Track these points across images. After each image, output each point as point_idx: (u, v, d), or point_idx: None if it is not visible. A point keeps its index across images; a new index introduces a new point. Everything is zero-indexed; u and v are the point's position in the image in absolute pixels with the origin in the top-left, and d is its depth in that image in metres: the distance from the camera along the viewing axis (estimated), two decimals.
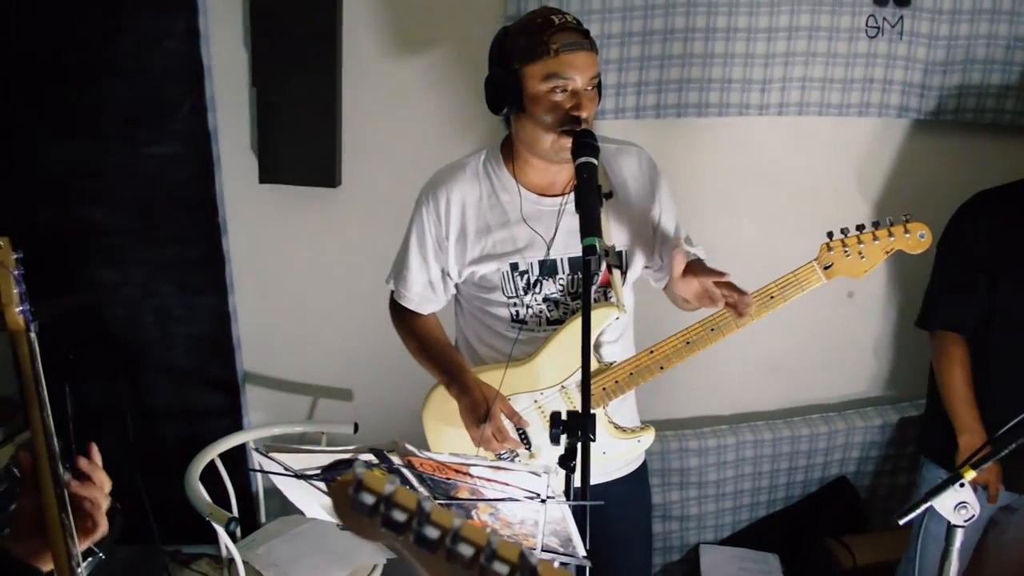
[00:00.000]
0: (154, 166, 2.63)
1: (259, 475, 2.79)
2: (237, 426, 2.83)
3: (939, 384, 2.27)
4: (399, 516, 0.71)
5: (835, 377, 2.89)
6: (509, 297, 1.89)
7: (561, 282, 1.88)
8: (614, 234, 1.89)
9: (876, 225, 1.79)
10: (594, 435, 1.54)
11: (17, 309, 1.37)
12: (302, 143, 2.59)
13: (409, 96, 2.61)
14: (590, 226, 1.60)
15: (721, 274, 1.75)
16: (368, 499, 0.71)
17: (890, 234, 1.78)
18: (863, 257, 1.79)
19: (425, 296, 1.98)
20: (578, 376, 1.83)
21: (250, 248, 2.76)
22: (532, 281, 1.87)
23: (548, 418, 1.84)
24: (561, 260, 1.86)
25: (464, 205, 1.88)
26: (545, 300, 1.89)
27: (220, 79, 2.61)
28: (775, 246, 2.60)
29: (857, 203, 2.70)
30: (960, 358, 2.23)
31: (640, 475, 2.11)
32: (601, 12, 2.40)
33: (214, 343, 2.80)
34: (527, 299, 1.88)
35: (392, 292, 2.05)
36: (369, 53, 2.57)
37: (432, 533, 0.70)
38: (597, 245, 1.57)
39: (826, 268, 1.79)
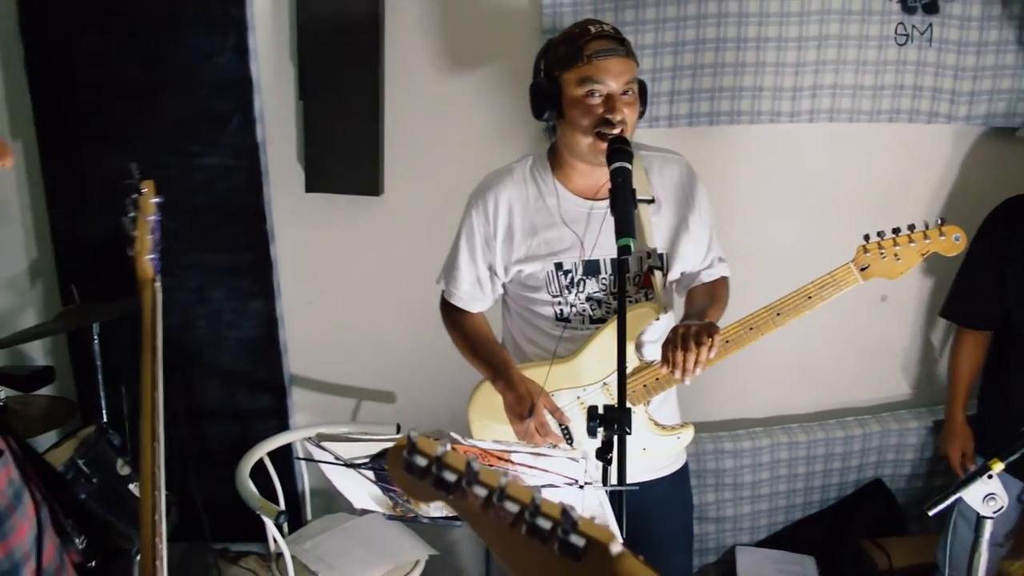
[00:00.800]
0: (206, 177, 2.74)
1: (305, 475, 2.89)
2: (284, 427, 2.93)
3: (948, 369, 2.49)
4: (450, 476, 0.75)
5: (869, 380, 2.92)
6: (553, 296, 1.96)
7: (604, 282, 1.94)
8: (656, 237, 1.95)
9: (912, 228, 1.83)
10: (630, 428, 1.61)
11: (147, 257, 1.42)
12: (346, 154, 2.69)
13: (449, 108, 2.70)
14: (625, 227, 1.67)
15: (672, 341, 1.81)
16: (421, 461, 0.76)
17: (925, 236, 1.82)
18: (899, 259, 1.83)
19: (473, 294, 2.06)
20: None
21: (297, 255, 2.87)
22: (575, 280, 1.94)
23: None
24: (604, 260, 1.93)
25: (511, 206, 1.96)
26: (588, 299, 1.95)
27: (268, 93, 2.73)
28: (807, 251, 2.65)
29: (888, 208, 2.73)
30: (968, 352, 2.45)
31: (681, 476, 2.15)
32: (635, 24, 2.48)
33: (262, 347, 2.90)
34: (571, 298, 1.95)
35: (443, 292, 2.13)
36: (410, 67, 2.67)
37: (480, 491, 0.74)
38: (631, 245, 1.65)
39: (863, 269, 1.84)
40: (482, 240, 2.00)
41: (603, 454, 1.62)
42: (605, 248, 1.91)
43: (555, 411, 1.92)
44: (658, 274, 1.94)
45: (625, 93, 1.82)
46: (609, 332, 1.92)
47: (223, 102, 2.70)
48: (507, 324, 2.14)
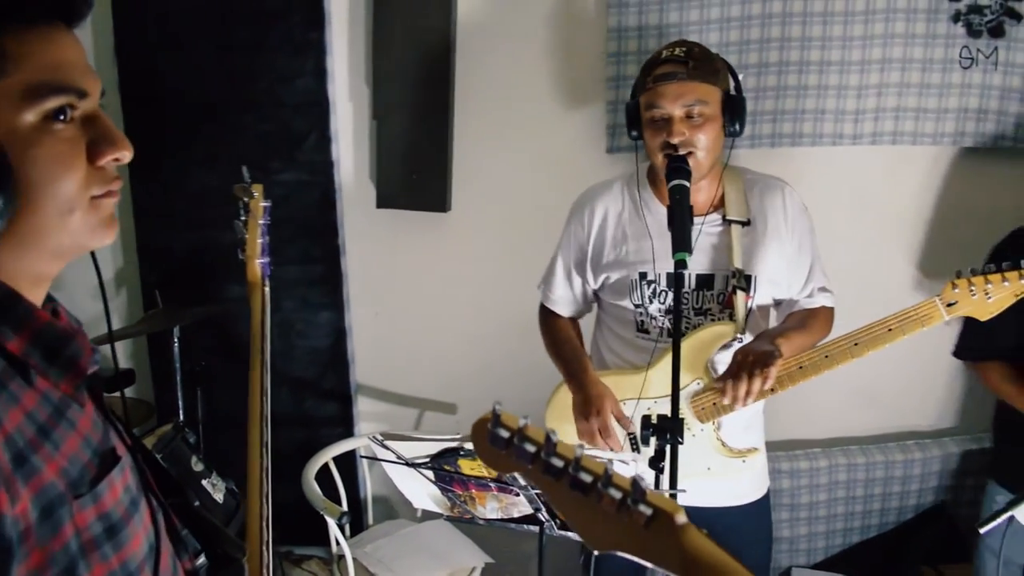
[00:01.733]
0: (282, 192, 2.88)
1: (368, 481, 2.98)
2: (349, 435, 3.02)
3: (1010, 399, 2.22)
4: (529, 447, 0.81)
5: (930, 405, 2.89)
6: (636, 306, 2.02)
7: (685, 295, 1.97)
8: (744, 259, 1.97)
9: (1011, 267, 1.75)
10: (682, 438, 1.65)
11: (258, 261, 1.49)
12: (416, 172, 2.79)
13: (515, 129, 2.79)
14: (681, 242, 1.72)
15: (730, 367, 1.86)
16: (504, 432, 0.82)
17: (1021, 276, 1.74)
18: (989, 297, 1.76)
19: (565, 298, 2.18)
20: (692, 387, 1.95)
21: (366, 268, 2.98)
22: (657, 291, 2.00)
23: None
24: (689, 275, 1.98)
25: (606, 215, 2.06)
26: (669, 312, 2.00)
27: (343, 113, 2.86)
28: (869, 274, 2.67)
29: (952, 232, 2.72)
30: (1005, 374, 2.22)
31: (761, 506, 2.15)
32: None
33: (331, 356, 3.02)
34: (651, 309, 2.01)
35: (541, 296, 2.24)
36: (480, 90, 2.77)
37: (557, 462, 0.81)
38: (687, 260, 1.70)
39: (949, 305, 1.78)
40: (576, 246, 2.10)
41: (655, 462, 1.67)
42: (693, 263, 1.95)
43: (621, 417, 1.96)
44: (741, 295, 1.95)
45: (690, 117, 1.86)
46: (688, 345, 1.94)
47: (301, 121, 2.84)
48: (595, 335, 2.22)
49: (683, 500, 1.79)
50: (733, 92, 1.96)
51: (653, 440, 1.65)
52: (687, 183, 1.80)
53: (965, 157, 2.65)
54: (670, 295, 1.99)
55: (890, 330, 1.81)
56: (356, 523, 2.93)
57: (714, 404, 1.93)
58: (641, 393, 1.99)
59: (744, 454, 1.99)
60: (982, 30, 2.49)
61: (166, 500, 1.06)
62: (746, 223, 1.98)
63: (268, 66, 2.79)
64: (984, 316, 1.78)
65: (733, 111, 1.91)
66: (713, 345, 1.94)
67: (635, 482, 0.78)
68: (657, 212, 2.01)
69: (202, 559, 1.12)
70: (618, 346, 2.10)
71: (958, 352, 2.37)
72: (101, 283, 1.06)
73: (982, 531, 1.66)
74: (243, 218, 1.59)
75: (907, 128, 2.58)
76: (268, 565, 1.30)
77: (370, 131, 2.85)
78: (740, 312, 1.95)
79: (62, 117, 0.86)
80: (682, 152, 1.86)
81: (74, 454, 0.86)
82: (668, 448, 1.63)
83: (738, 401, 1.82)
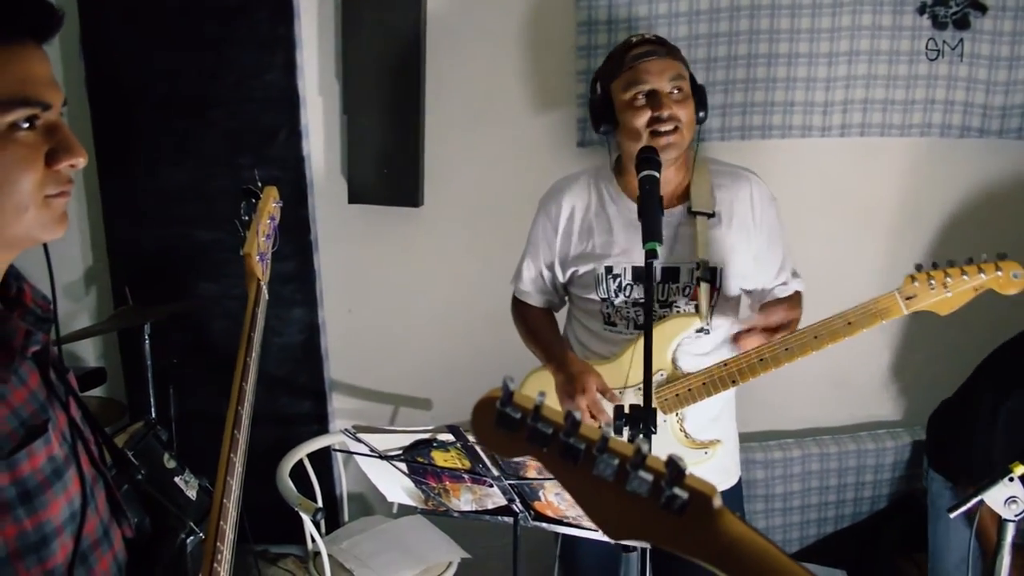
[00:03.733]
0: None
1: (343, 478, 2.97)
2: (324, 431, 3.00)
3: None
4: (546, 429, 0.73)
5: (901, 394, 2.92)
6: (603, 299, 2.03)
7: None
8: (712, 251, 1.98)
9: (969, 261, 1.75)
10: (655, 428, 1.66)
11: (256, 257, 1.50)
12: (388, 166, 2.78)
13: (487, 124, 2.79)
14: (652, 232, 1.73)
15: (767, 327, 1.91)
16: (515, 413, 0.73)
17: (980, 271, 1.72)
18: (949, 292, 1.74)
19: (536, 291, 2.19)
20: (656, 379, 1.96)
21: (338, 264, 2.96)
22: (623, 284, 2.01)
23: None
24: (654, 267, 1.92)
25: (573, 209, 2.06)
26: (635, 304, 2.01)
27: (313, 108, 2.84)
28: (838, 266, 2.68)
29: (920, 223, 2.75)
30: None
31: (733, 495, 2.16)
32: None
33: (304, 353, 2.99)
34: (617, 301, 2.02)
35: (513, 289, 2.26)
36: (450, 84, 2.76)
37: (578, 444, 0.72)
38: (658, 250, 1.70)
39: (908, 299, 1.77)
40: (545, 241, 2.11)
41: None
42: (659, 256, 1.95)
43: (605, 391, 1.97)
44: (705, 287, 1.96)
45: (673, 92, 1.90)
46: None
47: (271, 117, 2.81)
48: (566, 330, 2.24)
49: None
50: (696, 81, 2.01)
51: (626, 431, 1.66)
52: (657, 173, 1.81)
53: (933, 148, 2.68)
54: (635, 289, 2.00)
55: (849, 323, 1.80)
56: (332, 520, 2.91)
57: (677, 395, 1.95)
58: (609, 384, 2.00)
59: (706, 446, 1.99)
60: (947, 22, 2.52)
61: (116, 474, 1.18)
62: (711, 215, 1.98)
63: (236, 61, 2.76)
64: (944, 311, 1.77)
65: (700, 96, 1.97)
66: (676, 337, 1.96)
67: (672, 462, 0.70)
68: (623, 206, 2.02)
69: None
70: (587, 338, 2.12)
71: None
72: (52, 278, 1.12)
73: (952, 515, 1.68)
74: (246, 217, 1.59)
75: (875, 120, 2.60)
76: (227, 540, 1.31)
77: (341, 126, 2.83)
78: (703, 304, 1.96)
79: (26, 125, 0.97)
80: (670, 127, 1.88)
81: None
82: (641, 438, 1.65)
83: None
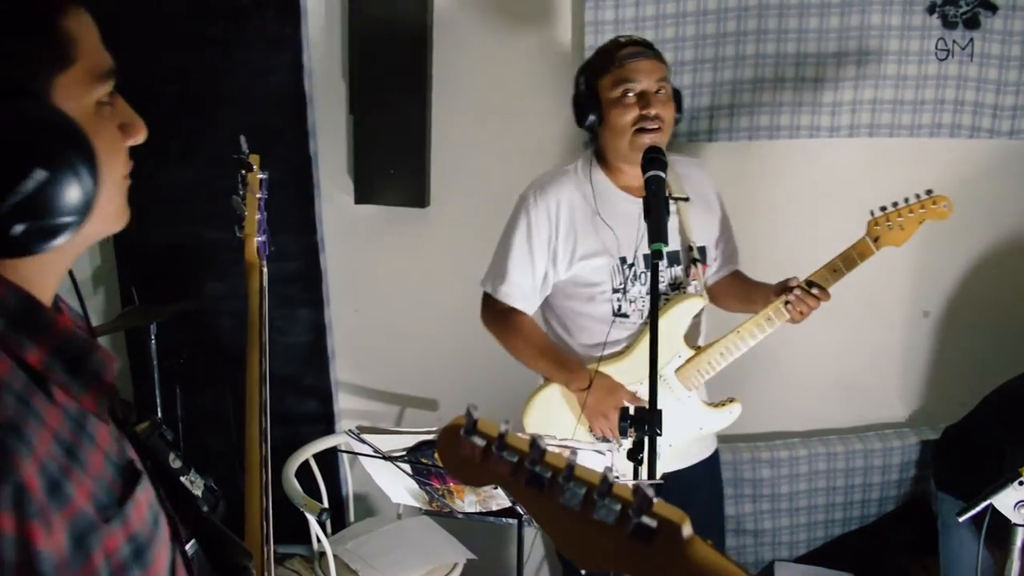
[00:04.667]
0: None
1: (348, 478, 2.96)
2: (330, 431, 3.00)
3: None
4: (511, 457, 0.72)
5: (909, 396, 2.90)
6: (615, 291, 2.05)
7: (663, 275, 2.06)
8: (696, 232, 2.10)
9: (907, 200, 2.03)
10: (661, 429, 1.65)
11: (256, 239, 1.43)
12: (394, 167, 2.78)
13: (493, 124, 2.78)
14: (658, 233, 1.73)
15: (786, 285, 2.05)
16: (479, 441, 0.73)
17: (921, 206, 2.02)
18: (903, 229, 2.03)
19: (524, 288, 2.12)
20: (675, 363, 2.06)
21: (345, 264, 2.96)
22: (638, 273, 2.05)
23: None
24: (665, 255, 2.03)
25: (572, 206, 2.07)
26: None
27: (320, 108, 2.83)
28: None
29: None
30: None
31: (712, 462, 2.27)
32: (675, 40, 2.54)
33: (311, 353, 2.99)
34: (632, 291, 2.04)
35: (488, 294, 2.19)
36: (457, 84, 2.76)
37: (544, 473, 0.71)
38: (663, 250, 1.71)
39: (875, 240, 2.04)
40: (542, 239, 2.07)
41: (634, 455, 1.67)
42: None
43: (637, 402, 1.99)
44: (700, 267, 2.08)
45: (658, 92, 1.97)
46: (662, 324, 1.95)
47: (278, 117, 2.81)
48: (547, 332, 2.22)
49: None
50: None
51: (631, 432, 1.65)
52: (663, 174, 1.81)
53: (942, 149, 2.66)
54: (648, 276, 2.05)
55: (835, 270, 2.04)
56: (338, 520, 2.91)
57: (698, 371, 2.06)
58: (627, 378, 2.05)
59: (727, 405, 2.11)
60: (957, 22, 2.50)
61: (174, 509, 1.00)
62: (686, 199, 2.07)
63: (243, 61, 2.77)
64: (899, 243, 2.04)
65: (679, 100, 2.05)
66: (684, 320, 2.05)
67: (638, 491, 0.69)
68: (620, 197, 2.06)
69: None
70: (586, 338, 2.11)
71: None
72: (81, 298, 0.99)
73: (961, 519, 1.67)
74: (241, 192, 1.52)
75: (884, 120, 2.59)
76: (270, 559, 1.19)
77: (348, 126, 2.83)
78: (702, 282, 2.09)
79: (107, 100, 0.85)
80: (655, 125, 1.95)
81: (99, 474, 0.80)
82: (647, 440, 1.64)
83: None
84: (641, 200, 1.96)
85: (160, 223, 2.93)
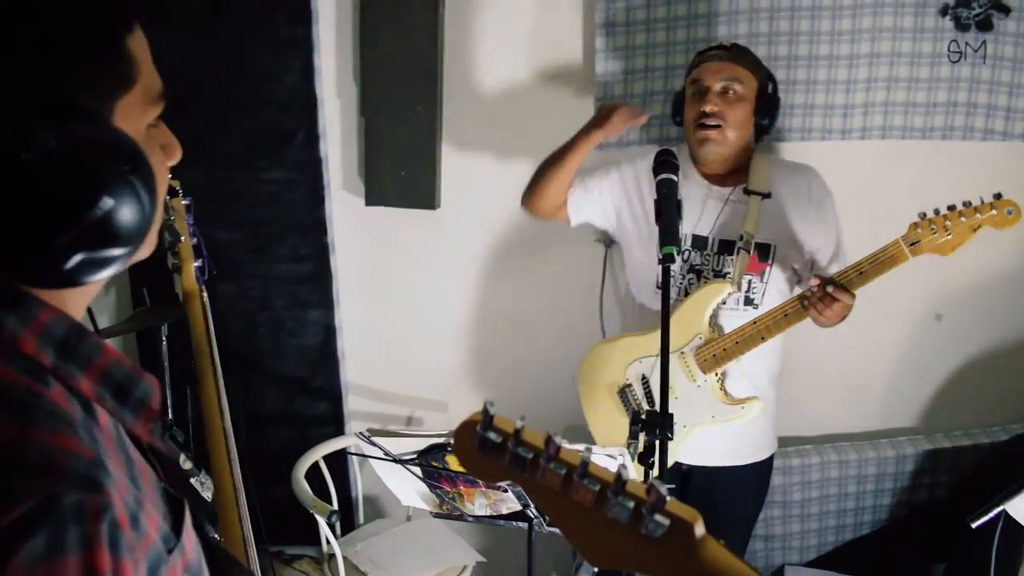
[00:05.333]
0: (271, 190, 2.86)
1: (358, 480, 2.96)
2: (339, 433, 2.99)
3: None
4: (526, 453, 0.73)
5: (921, 402, 2.88)
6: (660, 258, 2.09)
7: (708, 257, 2.14)
8: (762, 228, 2.13)
9: (966, 204, 1.85)
10: (672, 434, 1.65)
11: (193, 265, 1.37)
12: (405, 169, 2.78)
13: (504, 126, 2.78)
14: (669, 237, 1.73)
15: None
16: (495, 437, 0.74)
17: (977, 211, 1.83)
18: (949, 234, 1.85)
19: (579, 198, 2.30)
20: (695, 343, 2.12)
21: (355, 266, 2.96)
22: (682, 249, 2.12)
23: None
24: (712, 239, 2.15)
25: (651, 173, 2.10)
26: (691, 270, 2.15)
27: (331, 110, 2.84)
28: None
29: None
30: None
31: (762, 469, 2.32)
32: (685, 43, 2.53)
33: (320, 355, 2.99)
34: (674, 266, 2.06)
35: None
36: (467, 85, 2.76)
37: (559, 470, 0.71)
38: (675, 253, 1.71)
39: (912, 244, 1.89)
40: (621, 182, 2.26)
41: (644, 459, 1.66)
42: (716, 229, 2.15)
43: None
44: (743, 255, 2.11)
45: (726, 92, 2.07)
46: (687, 304, 2.12)
47: (289, 119, 2.81)
48: (624, 300, 2.42)
49: (684, 458, 1.94)
50: (770, 91, 2.16)
51: (642, 436, 1.65)
52: (675, 177, 1.81)
53: (954, 151, 2.64)
54: (693, 255, 2.16)
55: (861, 273, 1.92)
56: (347, 522, 2.91)
57: (714, 355, 2.09)
58: (654, 350, 2.05)
59: (742, 402, 2.12)
60: (970, 24, 2.48)
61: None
62: (766, 195, 2.12)
63: (254, 63, 2.77)
64: (946, 252, 1.88)
65: (766, 103, 2.13)
66: (710, 303, 2.10)
67: (652, 489, 0.69)
68: (693, 178, 2.19)
69: None
70: (633, 309, 2.28)
71: None
72: (91, 312, 0.97)
73: (974, 526, 1.66)
74: (170, 219, 1.44)
75: (896, 122, 2.57)
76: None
77: (358, 128, 2.83)
78: (737, 271, 2.11)
79: (154, 122, 0.83)
80: (713, 122, 2.06)
81: (154, 503, 0.77)
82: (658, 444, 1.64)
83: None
84: (713, 187, 2.17)
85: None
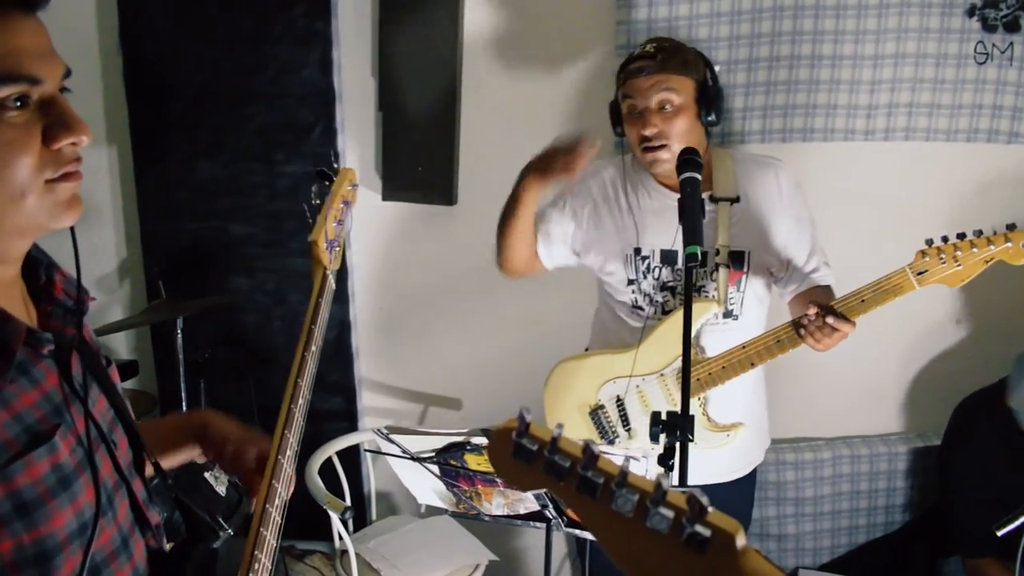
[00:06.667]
0: (288, 184, 2.85)
1: (371, 476, 2.96)
2: (353, 429, 2.99)
3: None
4: (563, 462, 0.71)
5: (939, 406, 2.85)
6: (630, 281, 2.05)
7: (679, 272, 2.03)
8: (738, 235, 2.03)
9: (977, 234, 1.74)
10: (693, 435, 1.63)
11: (323, 246, 1.44)
12: (422, 164, 2.77)
13: (522, 122, 2.76)
14: (692, 236, 1.71)
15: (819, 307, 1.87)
16: (531, 445, 0.72)
17: (990, 243, 1.73)
18: (959, 265, 1.74)
19: (558, 237, 2.18)
20: (676, 364, 1.99)
21: (371, 261, 2.95)
22: (651, 266, 2.04)
23: (647, 403, 1.98)
24: (680, 254, 2.02)
25: (606, 191, 2.10)
26: (663, 288, 2.05)
27: (349, 104, 2.83)
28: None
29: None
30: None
31: (744, 484, 2.21)
32: (708, 41, 2.51)
33: (335, 350, 2.98)
34: (645, 285, 2.03)
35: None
36: (486, 81, 2.74)
37: (596, 479, 0.70)
38: (699, 253, 1.68)
39: (919, 274, 1.78)
40: (570, 211, 2.15)
41: (665, 460, 1.65)
42: (681, 243, 1.97)
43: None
44: (723, 272, 2.00)
45: (663, 107, 1.94)
46: (668, 325, 2.00)
47: (307, 113, 2.81)
48: (595, 316, 2.29)
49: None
50: (710, 83, 2.00)
51: (663, 437, 1.63)
52: (698, 176, 1.79)
53: (979, 154, 2.61)
54: (663, 271, 2.05)
55: (863, 301, 1.80)
56: (360, 518, 2.91)
57: (698, 379, 1.96)
58: (632, 371, 2.03)
59: (728, 428, 2.02)
60: (997, 25, 2.45)
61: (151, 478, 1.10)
62: (735, 200, 2.01)
63: (273, 57, 2.76)
64: (955, 283, 1.76)
65: (707, 101, 1.97)
66: (695, 322, 1.97)
67: (692, 499, 0.68)
68: (653, 189, 2.06)
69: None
70: (615, 325, 2.15)
71: (956, 549, 2.44)
72: (79, 267, 1.05)
73: (999, 534, 1.64)
74: (317, 202, 1.51)
75: (920, 124, 2.55)
76: (262, 560, 1.21)
77: (376, 123, 2.82)
78: (721, 288, 2.00)
79: (17, 104, 0.88)
80: (657, 143, 1.94)
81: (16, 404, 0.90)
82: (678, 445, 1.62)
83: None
84: (675, 194, 1.97)
85: (187, 217, 2.93)
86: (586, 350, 2.29)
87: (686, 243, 1.70)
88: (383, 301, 2.99)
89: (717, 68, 2.52)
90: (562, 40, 2.70)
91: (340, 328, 2.97)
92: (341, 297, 2.95)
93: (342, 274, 2.93)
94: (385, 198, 2.83)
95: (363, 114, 2.83)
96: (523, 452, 0.72)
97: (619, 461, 0.70)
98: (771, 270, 2.06)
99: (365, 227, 2.92)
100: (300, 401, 1.33)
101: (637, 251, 2.05)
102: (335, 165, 1.59)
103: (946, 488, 2.56)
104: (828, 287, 2.08)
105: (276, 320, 2.98)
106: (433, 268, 2.93)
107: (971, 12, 2.45)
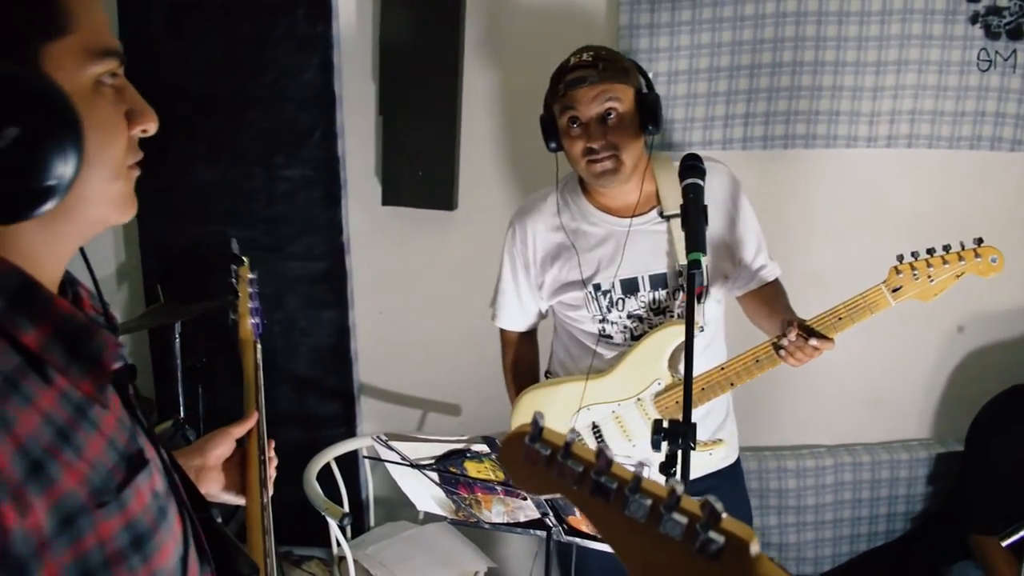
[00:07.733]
0: (287, 188, 2.84)
1: (369, 482, 2.94)
2: (351, 434, 2.98)
3: None
4: (576, 467, 0.71)
5: (940, 414, 2.85)
6: (594, 316, 2.01)
7: (643, 299, 1.98)
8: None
9: (946, 249, 1.76)
10: (695, 443, 1.62)
11: (249, 321, 1.51)
12: (422, 169, 2.75)
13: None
14: (696, 243, 1.69)
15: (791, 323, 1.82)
16: (544, 449, 0.72)
17: (960, 258, 1.74)
18: (932, 280, 1.75)
19: (517, 316, 2.18)
20: (653, 388, 1.95)
21: (370, 266, 2.94)
22: (615, 299, 1.99)
23: (626, 428, 1.96)
24: (641, 278, 1.97)
25: (548, 233, 2.04)
26: (629, 317, 1.99)
27: (349, 109, 2.81)
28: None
29: (967, 237, 2.68)
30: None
31: (733, 472, 2.17)
32: (711, 46, 2.50)
33: (334, 355, 2.97)
34: (611, 316, 1.99)
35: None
36: (487, 86, 2.73)
37: (610, 484, 0.70)
38: (701, 260, 1.67)
39: (894, 291, 1.77)
40: (522, 266, 2.10)
41: (666, 468, 1.63)
42: (640, 265, 1.96)
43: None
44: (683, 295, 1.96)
45: (606, 118, 1.86)
46: (641, 350, 1.95)
47: (306, 117, 2.79)
48: (554, 338, 2.22)
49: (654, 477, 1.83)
50: (645, 90, 1.93)
51: (664, 445, 1.62)
52: (701, 182, 1.78)
53: (982, 161, 2.61)
54: (628, 302, 1.99)
55: (840, 319, 1.78)
56: (357, 524, 2.89)
57: (677, 402, 1.92)
58: (606, 397, 1.99)
59: (709, 447, 1.99)
60: (1000, 32, 2.45)
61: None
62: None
63: (273, 60, 2.75)
64: (927, 299, 1.77)
65: (646, 109, 1.89)
66: (668, 346, 1.92)
67: (707, 505, 0.67)
68: (598, 218, 2.00)
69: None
70: (580, 353, 2.08)
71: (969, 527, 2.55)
72: (94, 279, 0.99)
73: (1004, 544, 1.63)
74: (233, 280, 1.57)
75: (923, 131, 2.54)
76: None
77: (376, 127, 2.81)
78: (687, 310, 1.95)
79: (109, 81, 0.84)
80: (604, 155, 1.86)
81: (98, 458, 0.79)
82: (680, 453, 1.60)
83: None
84: (623, 221, 1.97)
85: (186, 221, 2.92)
86: (546, 373, 2.25)
87: (688, 250, 1.69)
88: (383, 306, 2.98)
89: (720, 73, 2.53)
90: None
91: (339, 333, 2.96)
92: (340, 302, 2.93)
93: (341, 278, 2.91)
94: (385, 202, 2.81)
95: (363, 118, 2.82)
96: (536, 456, 0.73)
97: (630, 468, 0.70)
98: (726, 274, 2.03)
99: (365, 232, 2.91)
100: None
101: (597, 287, 1.99)
102: (235, 249, 1.63)
103: (967, 471, 2.60)
104: (777, 281, 2.05)
105: (275, 325, 2.96)
106: (433, 273, 2.92)
107: (974, 19, 2.44)
